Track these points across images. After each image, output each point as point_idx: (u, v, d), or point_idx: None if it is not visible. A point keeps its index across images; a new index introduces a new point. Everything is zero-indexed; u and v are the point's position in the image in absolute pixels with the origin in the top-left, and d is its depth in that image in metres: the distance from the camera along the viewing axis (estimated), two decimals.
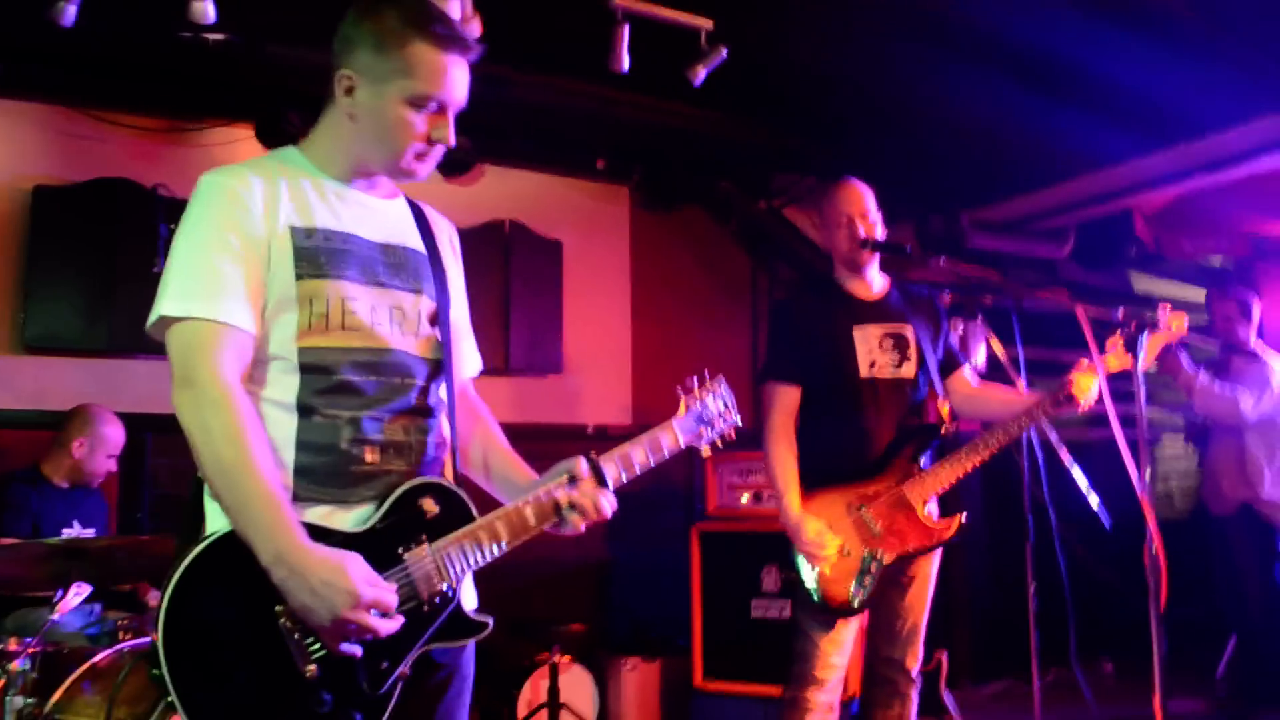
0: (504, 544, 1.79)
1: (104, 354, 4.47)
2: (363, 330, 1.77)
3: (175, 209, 4.37)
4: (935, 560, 3.20)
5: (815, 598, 3.03)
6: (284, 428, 1.72)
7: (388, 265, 1.84)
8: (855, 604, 3.01)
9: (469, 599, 1.87)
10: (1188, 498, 7.09)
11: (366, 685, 1.64)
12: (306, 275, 1.73)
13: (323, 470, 1.72)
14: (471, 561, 1.77)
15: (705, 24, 4.03)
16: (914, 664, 3.18)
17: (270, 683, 1.59)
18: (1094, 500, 3.52)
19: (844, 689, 3.21)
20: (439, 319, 1.91)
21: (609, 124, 5.27)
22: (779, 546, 3.11)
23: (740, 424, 2.18)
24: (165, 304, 1.67)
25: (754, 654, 4.66)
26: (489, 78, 4.99)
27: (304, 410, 1.72)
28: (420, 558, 1.72)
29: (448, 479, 1.87)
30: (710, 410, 2.13)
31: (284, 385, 1.73)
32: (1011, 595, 4.49)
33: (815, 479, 3.11)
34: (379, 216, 1.88)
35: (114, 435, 4.13)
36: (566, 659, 4.67)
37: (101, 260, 4.50)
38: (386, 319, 1.81)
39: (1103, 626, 5.01)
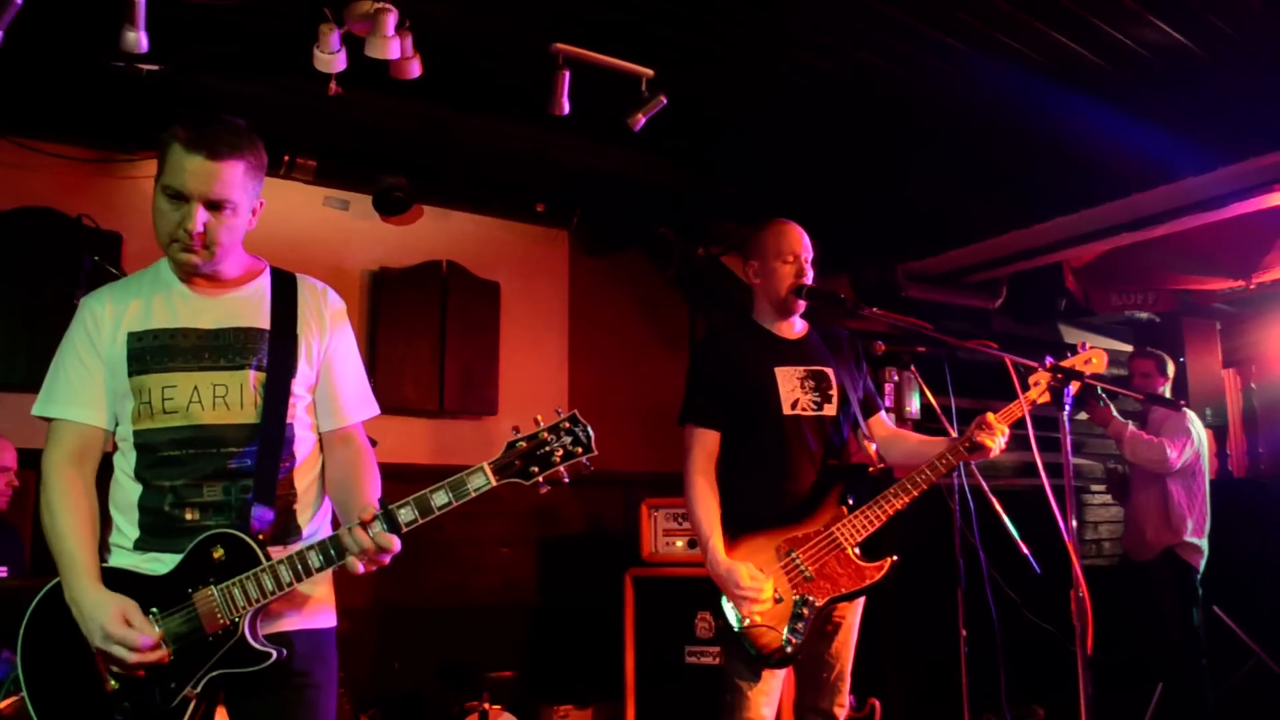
0: (288, 584, 2.05)
1: (21, 388, 4.32)
2: (179, 412, 2.13)
3: (100, 240, 4.27)
4: (860, 606, 3.15)
5: (747, 647, 2.93)
6: (132, 494, 2.16)
7: (214, 349, 2.17)
8: (789, 651, 2.91)
9: (298, 621, 2.17)
10: (1116, 545, 7.22)
11: (159, 700, 2.03)
12: (135, 372, 2.14)
13: (156, 527, 2.13)
14: (253, 600, 2.04)
15: (646, 72, 4.07)
16: (841, 711, 3.13)
17: (90, 694, 2.05)
18: (1023, 546, 3.54)
19: None
20: (270, 386, 2.17)
21: (549, 167, 5.28)
22: (713, 593, 2.99)
23: (595, 454, 2.08)
24: (34, 405, 2.19)
25: (688, 701, 4.59)
26: (428, 119, 5.01)
27: (141, 481, 2.15)
28: (206, 598, 2.05)
29: (288, 530, 2.17)
30: (549, 447, 2.06)
31: (129, 461, 2.17)
32: (944, 641, 4.51)
33: (741, 524, 3.03)
34: (217, 307, 2.21)
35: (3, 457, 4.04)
36: (496, 708, 4.58)
37: (22, 291, 4.39)
38: (209, 397, 2.14)
39: (1034, 671, 5.05)
